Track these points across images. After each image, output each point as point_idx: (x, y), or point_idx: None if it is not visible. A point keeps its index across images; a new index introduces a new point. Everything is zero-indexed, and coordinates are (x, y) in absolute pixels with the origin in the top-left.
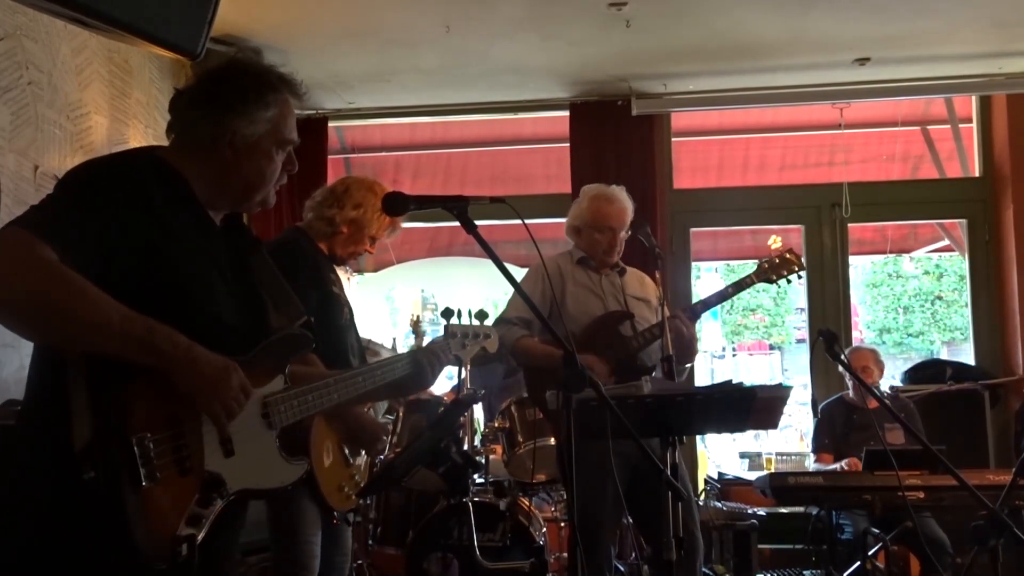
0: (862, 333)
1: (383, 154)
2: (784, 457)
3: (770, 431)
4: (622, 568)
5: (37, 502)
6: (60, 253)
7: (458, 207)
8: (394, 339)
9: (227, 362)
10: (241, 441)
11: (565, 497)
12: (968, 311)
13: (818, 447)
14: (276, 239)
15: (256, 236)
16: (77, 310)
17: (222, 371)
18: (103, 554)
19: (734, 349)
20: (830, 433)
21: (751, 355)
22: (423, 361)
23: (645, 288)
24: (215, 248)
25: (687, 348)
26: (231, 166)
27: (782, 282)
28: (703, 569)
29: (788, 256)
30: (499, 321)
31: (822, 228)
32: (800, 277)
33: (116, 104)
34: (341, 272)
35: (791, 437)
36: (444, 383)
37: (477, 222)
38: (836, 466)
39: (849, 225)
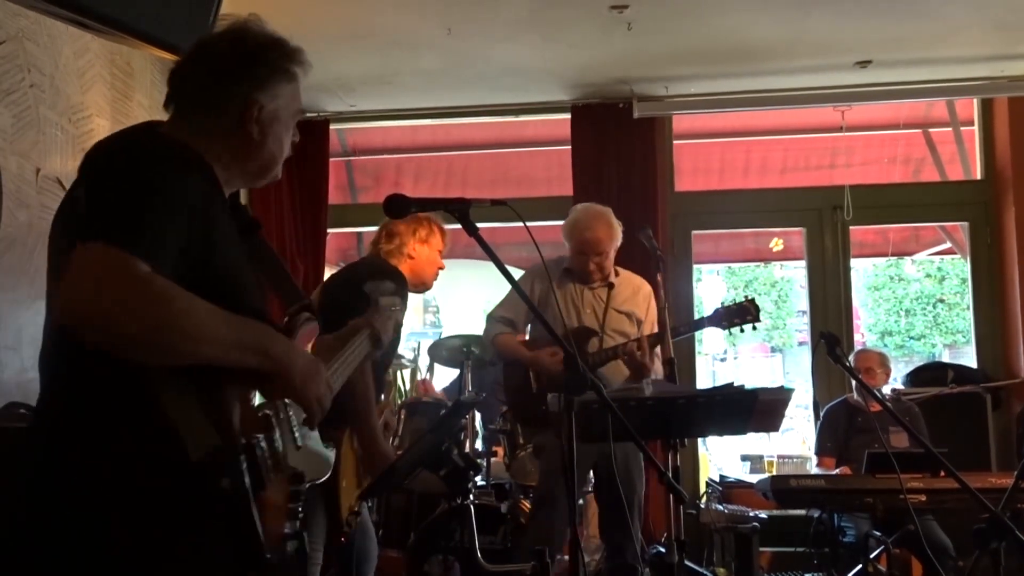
0: (863, 336)
1: (384, 156)
2: (786, 459)
3: (772, 434)
4: None
5: (148, 516)
6: (151, 265)
7: (459, 209)
8: None
9: (315, 358)
10: (303, 434)
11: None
12: (970, 314)
13: (820, 450)
14: (377, 264)
15: (254, 216)
16: (193, 328)
17: (315, 367)
18: (230, 561)
19: (735, 352)
20: (832, 436)
21: (752, 358)
22: (377, 327)
23: (636, 299)
24: (238, 235)
25: (637, 371)
26: (256, 143)
27: (782, 284)
28: (704, 571)
29: (746, 304)
30: (488, 317)
31: (823, 231)
32: (755, 328)
33: (118, 107)
34: None
35: (793, 440)
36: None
37: (478, 224)
38: (832, 473)
39: (851, 228)
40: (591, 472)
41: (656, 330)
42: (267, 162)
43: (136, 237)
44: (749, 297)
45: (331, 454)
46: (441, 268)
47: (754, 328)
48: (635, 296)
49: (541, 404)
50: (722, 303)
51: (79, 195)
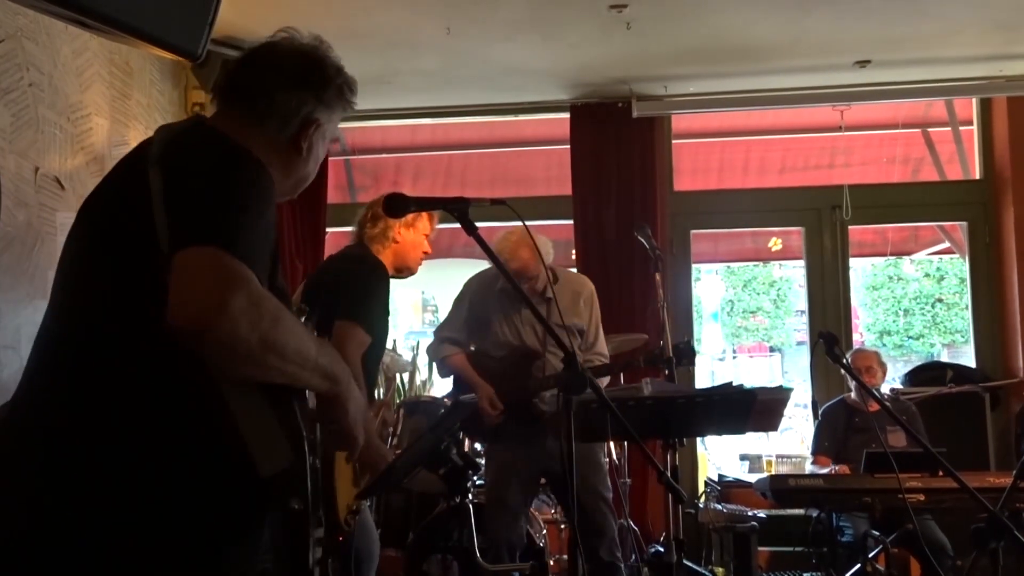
0: (862, 335)
1: (384, 156)
2: (784, 459)
3: (770, 433)
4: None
5: (208, 522)
6: (255, 275)
7: (459, 209)
8: (394, 340)
9: (362, 392)
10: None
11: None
12: (968, 313)
13: (817, 449)
14: (361, 255)
15: None
16: (292, 349)
17: (365, 400)
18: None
19: (734, 351)
20: (830, 436)
21: (751, 357)
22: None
23: (576, 308)
24: None
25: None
26: (301, 159)
27: (781, 284)
28: (703, 570)
29: (682, 348)
30: (434, 333)
31: (822, 230)
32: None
33: (117, 106)
34: None
35: (792, 439)
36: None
37: (478, 224)
38: (827, 470)
39: (849, 227)
40: (543, 479)
41: (600, 332)
42: (301, 179)
43: (247, 248)
44: (685, 339)
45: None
46: (427, 253)
47: (690, 368)
48: (575, 304)
49: (489, 422)
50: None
51: (154, 193)
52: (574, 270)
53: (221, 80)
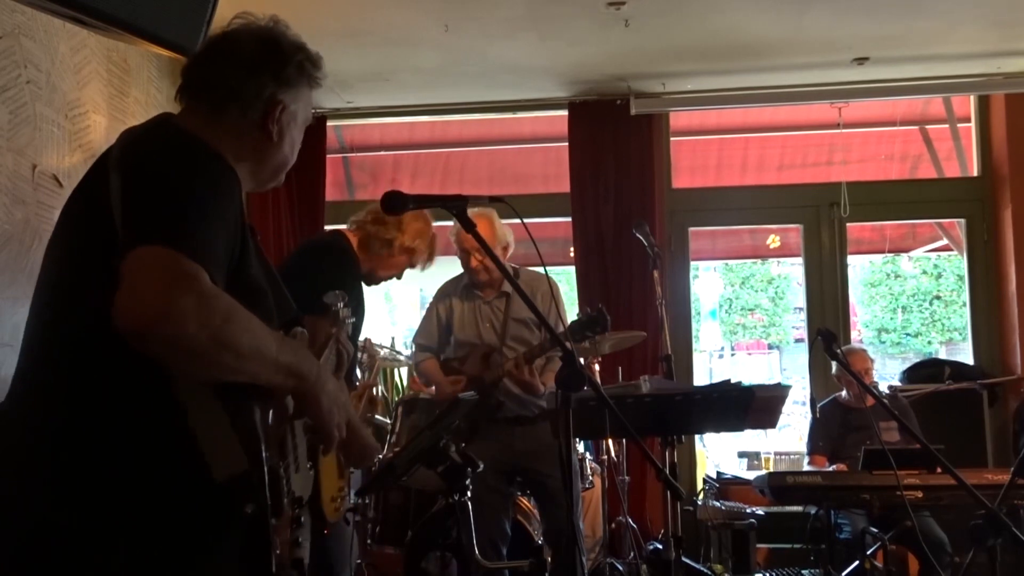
0: (860, 332)
1: (382, 153)
2: (782, 456)
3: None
4: (620, 567)
5: (163, 529)
6: (209, 274)
7: (457, 206)
8: (392, 338)
9: (340, 383)
10: (301, 455)
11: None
12: (966, 311)
13: (812, 449)
14: (328, 241)
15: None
16: (247, 346)
17: (341, 391)
18: None
19: (732, 348)
20: (825, 435)
21: (749, 354)
22: (343, 342)
23: (534, 303)
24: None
25: (525, 389)
26: (273, 144)
27: (779, 281)
28: (701, 568)
29: (595, 316)
30: (413, 344)
31: (820, 227)
32: (604, 332)
33: (115, 103)
34: None
35: (790, 436)
36: None
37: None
38: (828, 470)
39: (848, 224)
40: (516, 476)
41: (561, 327)
42: (279, 165)
43: (200, 246)
44: (599, 306)
45: (311, 472)
46: (398, 278)
47: (603, 332)
48: (532, 300)
49: (464, 419)
50: (576, 318)
51: (113, 195)
52: (540, 269)
53: (182, 78)
